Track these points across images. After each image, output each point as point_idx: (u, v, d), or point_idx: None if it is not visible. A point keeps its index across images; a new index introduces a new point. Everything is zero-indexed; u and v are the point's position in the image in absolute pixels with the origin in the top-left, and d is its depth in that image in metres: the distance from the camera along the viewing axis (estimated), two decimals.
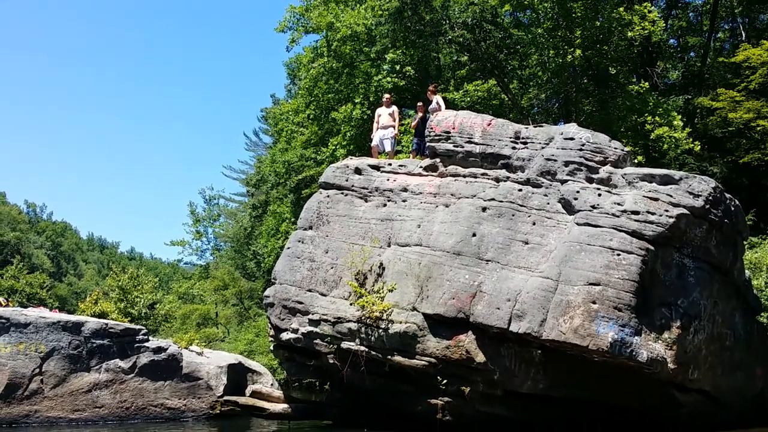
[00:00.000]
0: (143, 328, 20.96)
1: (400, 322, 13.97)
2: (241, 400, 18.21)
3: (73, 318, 20.27)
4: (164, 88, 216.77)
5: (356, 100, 27.41)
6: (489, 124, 15.25)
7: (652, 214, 12.66)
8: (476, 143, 15.15)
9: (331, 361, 15.08)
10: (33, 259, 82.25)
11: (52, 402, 18.71)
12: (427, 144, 16.13)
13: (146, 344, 19.91)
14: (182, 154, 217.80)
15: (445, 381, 13.69)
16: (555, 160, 14.05)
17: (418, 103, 18.87)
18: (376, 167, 16.67)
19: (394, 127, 18.60)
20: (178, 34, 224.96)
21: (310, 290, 15.60)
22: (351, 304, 14.79)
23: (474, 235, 14.01)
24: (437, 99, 18.06)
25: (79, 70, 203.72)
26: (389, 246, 15.26)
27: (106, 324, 19.89)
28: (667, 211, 12.67)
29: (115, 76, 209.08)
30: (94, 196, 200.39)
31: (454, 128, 15.46)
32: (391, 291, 14.37)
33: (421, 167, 16.03)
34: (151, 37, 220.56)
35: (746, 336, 14.65)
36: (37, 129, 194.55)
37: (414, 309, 14.01)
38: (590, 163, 13.82)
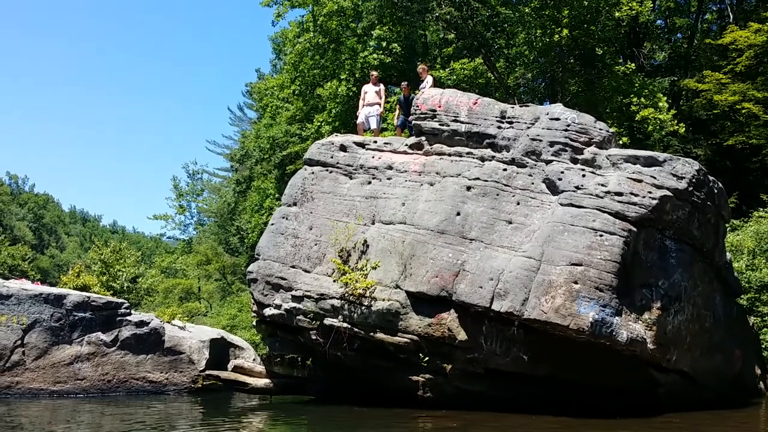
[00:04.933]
0: (125, 301, 20.86)
1: (383, 300, 14.01)
2: (223, 374, 18.19)
3: (55, 291, 20.17)
4: (148, 61, 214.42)
5: (342, 77, 27.18)
6: (475, 103, 15.23)
7: (636, 195, 12.73)
8: (462, 122, 15.13)
9: (314, 338, 15.09)
10: (15, 231, 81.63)
11: (33, 374, 18.65)
12: (413, 122, 16.05)
13: (128, 318, 19.85)
14: (166, 128, 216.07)
15: (426, 358, 13.79)
16: (540, 140, 14.06)
17: (403, 83, 18.68)
18: (362, 144, 16.61)
19: (380, 104, 18.47)
20: (163, 6, 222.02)
21: (293, 266, 15.56)
22: (334, 281, 14.80)
23: (458, 213, 14.02)
24: (428, 79, 17.89)
25: (61, 41, 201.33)
26: (373, 223, 15.26)
27: (88, 297, 19.80)
28: (650, 192, 12.74)
29: (99, 48, 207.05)
30: (76, 168, 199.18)
31: (440, 106, 15.42)
32: (374, 268, 14.39)
33: (406, 145, 15.99)
34: (134, 9, 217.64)
35: (726, 318, 14.81)
36: (20, 100, 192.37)
37: (397, 287, 14.05)
38: (575, 144, 13.85)
